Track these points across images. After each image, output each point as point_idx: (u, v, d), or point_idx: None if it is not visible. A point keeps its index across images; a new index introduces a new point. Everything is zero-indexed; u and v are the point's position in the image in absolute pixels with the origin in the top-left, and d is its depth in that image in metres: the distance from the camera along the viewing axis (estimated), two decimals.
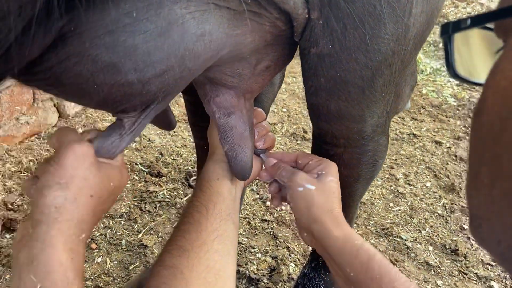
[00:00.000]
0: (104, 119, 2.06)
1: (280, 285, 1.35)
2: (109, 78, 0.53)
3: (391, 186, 1.80)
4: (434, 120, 2.25)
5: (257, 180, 1.74)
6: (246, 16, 0.61)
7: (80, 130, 1.96)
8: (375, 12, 0.64)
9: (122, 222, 1.54)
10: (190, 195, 1.68)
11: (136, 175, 1.74)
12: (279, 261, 1.42)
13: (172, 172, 1.79)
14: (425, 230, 1.60)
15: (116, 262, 1.40)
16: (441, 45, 2.93)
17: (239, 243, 1.46)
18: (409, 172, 1.88)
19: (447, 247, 1.52)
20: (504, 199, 0.29)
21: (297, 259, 1.44)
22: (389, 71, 0.73)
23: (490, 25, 0.37)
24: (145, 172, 1.76)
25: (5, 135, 1.76)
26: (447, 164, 1.93)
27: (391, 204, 1.71)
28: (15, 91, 1.76)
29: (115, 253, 1.43)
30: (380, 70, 0.71)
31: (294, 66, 2.54)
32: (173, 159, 1.87)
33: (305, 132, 2.09)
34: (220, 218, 0.73)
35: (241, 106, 0.77)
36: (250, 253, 1.46)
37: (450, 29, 0.39)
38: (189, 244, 0.68)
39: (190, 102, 1.14)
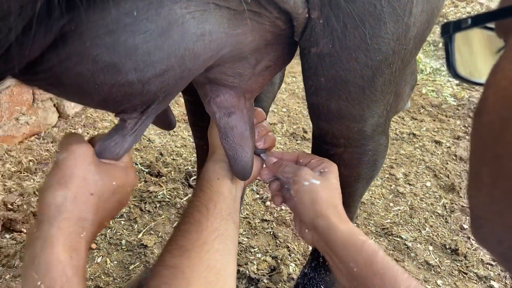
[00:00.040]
0: (104, 119, 2.06)
1: (280, 285, 1.35)
2: (109, 78, 0.53)
3: (391, 186, 1.80)
4: (434, 120, 2.25)
5: (257, 180, 1.74)
6: (246, 15, 0.60)
7: (80, 130, 1.97)
8: (375, 11, 0.64)
9: (122, 222, 1.54)
10: (190, 195, 1.68)
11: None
12: (279, 261, 1.42)
13: (172, 172, 1.79)
14: (425, 229, 1.60)
15: (116, 262, 1.40)
16: (440, 44, 2.94)
17: (239, 243, 1.46)
18: (409, 172, 1.88)
19: (447, 247, 1.52)
20: (505, 199, 0.29)
21: (297, 259, 1.44)
22: (389, 71, 0.73)
23: (491, 25, 0.37)
24: (145, 172, 1.76)
25: (4, 135, 1.76)
26: (447, 163, 1.93)
27: (391, 204, 1.72)
28: (15, 91, 1.76)
29: (115, 253, 1.43)
30: (381, 69, 0.71)
31: (294, 66, 2.54)
32: (173, 159, 1.87)
33: (305, 132, 2.09)
34: (221, 218, 0.73)
35: (241, 106, 0.77)
36: (250, 253, 1.46)
37: (450, 29, 0.39)
38: (190, 243, 0.68)
39: (190, 102, 1.14)
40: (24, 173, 1.68)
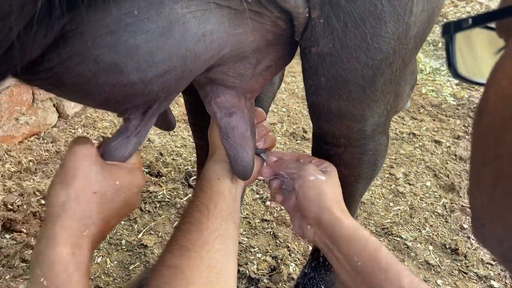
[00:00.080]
0: (103, 119, 2.06)
1: (280, 285, 1.35)
2: (111, 78, 0.53)
3: (391, 185, 1.80)
4: (434, 120, 2.25)
5: (257, 180, 1.74)
6: (247, 15, 0.60)
7: (80, 130, 1.97)
8: (376, 10, 0.64)
9: (122, 222, 1.53)
10: (190, 195, 1.68)
11: None
12: (279, 261, 1.42)
13: (172, 172, 1.79)
14: (425, 229, 1.60)
15: (116, 262, 1.40)
16: (440, 44, 2.94)
17: (239, 243, 1.46)
18: (409, 172, 1.88)
19: (447, 247, 1.52)
20: (506, 199, 0.29)
21: (297, 259, 1.44)
22: (390, 70, 0.73)
23: (492, 25, 0.37)
24: (145, 172, 1.76)
25: (4, 136, 1.76)
26: (447, 163, 1.93)
27: (391, 204, 1.72)
28: (15, 91, 1.76)
29: (115, 253, 1.43)
30: (381, 69, 0.71)
31: (294, 66, 2.54)
32: (173, 159, 1.87)
33: (305, 131, 2.09)
34: (221, 218, 0.73)
35: (242, 106, 0.77)
36: (250, 253, 1.46)
37: (451, 29, 0.39)
38: (191, 243, 0.68)
39: (190, 102, 1.14)
40: (24, 173, 1.68)
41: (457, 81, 2.52)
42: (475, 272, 1.43)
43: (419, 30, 0.72)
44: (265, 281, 1.35)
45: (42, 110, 1.90)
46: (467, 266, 1.45)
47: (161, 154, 1.88)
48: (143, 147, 1.91)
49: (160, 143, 1.95)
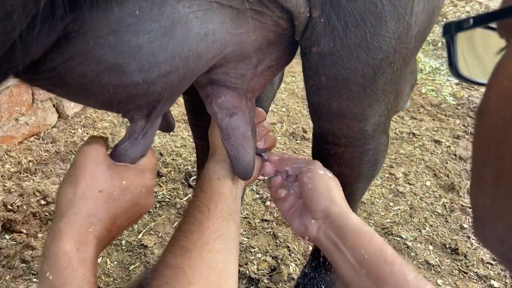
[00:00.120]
0: (103, 119, 2.06)
1: (280, 285, 1.35)
2: (114, 79, 0.54)
3: (391, 185, 1.81)
4: (434, 119, 2.25)
5: (257, 180, 1.74)
6: (249, 14, 0.61)
7: (79, 131, 1.97)
8: (376, 10, 0.64)
9: None
10: (190, 195, 1.68)
11: None
12: (279, 261, 1.42)
13: (172, 172, 1.79)
14: (425, 229, 1.60)
15: (116, 262, 1.40)
16: (440, 44, 2.94)
17: (239, 243, 1.46)
18: (408, 171, 1.88)
19: (447, 246, 1.52)
20: (507, 200, 0.29)
21: (297, 259, 1.44)
22: (390, 69, 0.73)
23: (493, 25, 0.37)
24: None
25: (4, 136, 1.76)
26: (447, 163, 1.93)
27: (391, 204, 1.72)
28: (14, 91, 1.76)
29: (115, 253, 1.43)
30: (382, 68, 0.71)
31: (293, 66, 2.54)
32: (173, 159, 1.87)
33: (305, 131, 2.09)
34: (222, 218, 0.74)
35: (243, 106, 0.77)
36: (250, 253, 1.46)
37: (452, 29, 0.39)
38: (191, 244, 0.68)
39: (190, 102, 1.14)
40: (23, 174, 1.68)
41: (457, 81, 2.52)
42: (475, 272, 1.43)
43: (419, 30, 0.72)
44: (265, 281, 1.35)
45: (42, 110, 1.89)
46: (467, 266, 1.46)
47: (161, 154, 1.88)
48: None
49: (160, 143, 1.95)
